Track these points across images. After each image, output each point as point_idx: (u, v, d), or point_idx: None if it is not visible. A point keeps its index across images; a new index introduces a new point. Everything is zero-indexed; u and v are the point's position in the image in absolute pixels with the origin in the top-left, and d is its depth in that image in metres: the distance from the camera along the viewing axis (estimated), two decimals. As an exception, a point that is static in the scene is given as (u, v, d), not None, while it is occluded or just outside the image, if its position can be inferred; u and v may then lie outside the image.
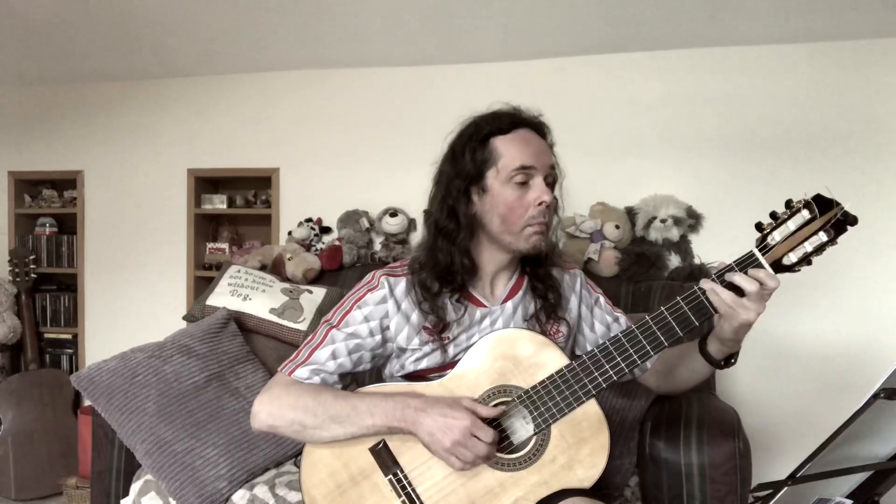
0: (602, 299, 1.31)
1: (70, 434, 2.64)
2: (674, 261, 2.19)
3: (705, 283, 1.00)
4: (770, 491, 1.12)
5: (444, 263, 1.15)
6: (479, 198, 1.15)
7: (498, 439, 1.04)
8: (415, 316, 1.16)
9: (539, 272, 1.22)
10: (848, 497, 1.20)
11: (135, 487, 1.48)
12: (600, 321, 1.29)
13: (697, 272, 2.10)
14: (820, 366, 2.19)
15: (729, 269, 1.00)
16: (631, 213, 2.26)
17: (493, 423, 1.07)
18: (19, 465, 2.54)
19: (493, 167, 1.13)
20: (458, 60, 2.47)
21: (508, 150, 1.13)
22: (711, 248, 2.21)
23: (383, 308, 1.15)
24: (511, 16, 2.09)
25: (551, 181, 1.17)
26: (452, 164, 1.17)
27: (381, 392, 1.10)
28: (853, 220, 0.94)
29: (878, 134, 2.17)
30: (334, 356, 1.14)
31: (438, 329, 1.15)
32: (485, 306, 1.19)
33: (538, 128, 1.19)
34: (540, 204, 1.12)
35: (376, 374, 1.28)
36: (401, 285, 1.17)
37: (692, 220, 2.22)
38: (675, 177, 2.30)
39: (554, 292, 1.21)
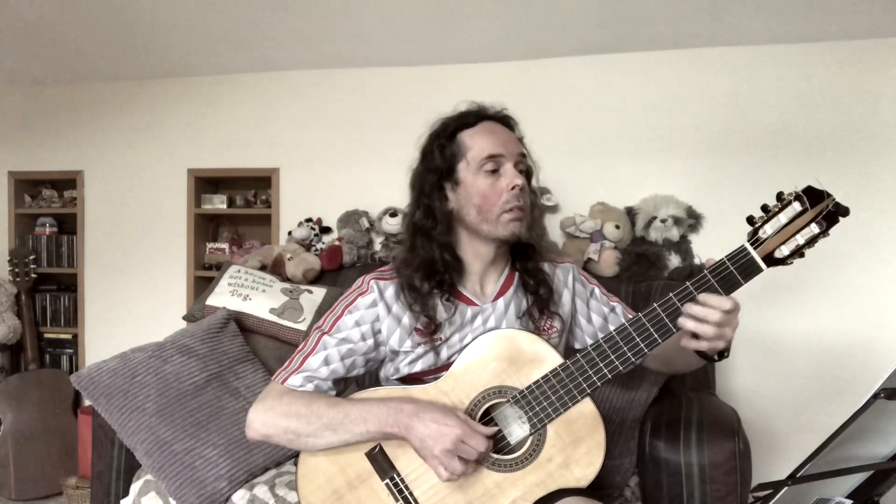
0: (597, 290, 1.31)
1: (70, 434, 2.65)
2: (674, 261, 2.19)
3: (686, 323, 1.00)
4: (770, 491, 1.12)
5: (427, 260, 1.16)
6: (452, 192, 1.17)
7: (491, 450, 1.03)
8: (406, 318, 1.16)
9: (528, 266, 1.22)
10: (848, 497, 1.21)
11: (135, 487, 1.48)
12: (597, 313, 1.29)
13: (697, 272, 2.09)
14: (820, 366, 2.19)
15: (720, 264, 1.00)
16: (631, 213, 2.26)
17: (488, 425, 1.06)
18: (19, 465, 2.54)
19: (462, 160, 1.15)
20: (458, 60, 2.47)
21: (476, 142, 1.15)
22: (711, 248, 2.21)
23: (374, 312, 1.16)
24: (511, 16, 2.09)
25: (523, 169, 1.18)
26: (423, 163, 1.20)
27: (375, 397, 1.10)
28: (844, 212, 0.94)
29: (878, 133, 2.17)
30: (327, 362, 1.14)
31: (430, 330, 1.14)
32: (476, 305, 1.19)
33: (504, 120, 1.22)
34: (513, 188, 1.13)
35: (374, 376, 1.28)
36: (391, 288, 1.18)
37: (692, 220, 2.22)
38: (675, 177, 2.30)
39: (545, 286, 1.21)
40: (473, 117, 1.19)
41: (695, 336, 1.01)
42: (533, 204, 1.22)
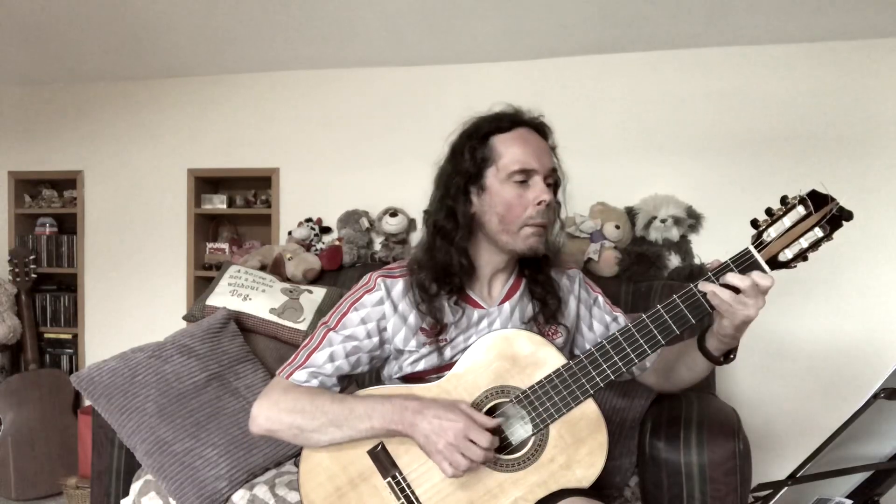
0: (601, 299, 1.31)
1: (70, 434, 2.64)
2: (674, 261, 2.19)
3: (704, 286, 1.00)
4: (770, 491, 1.12)
5: (443, 263, 1.15)
6: (477, 197, 1.14)
7: (496, 445, 1.03)
8: (412, 318, 1.15)
9: (538, 277, 1.21)
10: (848, 497, 1.20)
11: (135, 487, 1.48)
12: (599, 321, 1.29)
13: (697, 272, 2.10)
14: (820, 365, 2.19)
15: (724, 266, 0.99)
16: (631, 213, 2.26)
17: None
18: (19, 465, 2.54)
19: (492, 166, 1.13)
20: (458, 60, 2.47)
21: (508, 150, 1.12)
22: (711, 248, 2.21)
23: (380, 310, 1.15)
24: (511, 16, 2.09)
25: (552, 182, 1.16)
26: (452, 163, 1.16)
27: (378, 395, 1.10)
28: (848, 216, 0.94)
29: (878, 133, 2.17)
30: (332, 359, 1.13)
31: (436, 331, 1.14)
32: (482, 308, 1.19)
33: (539, 128, 1.19)
34: (539, 203, 1.11)
35: (375, 375, 1.28)
36: (398, 287, 1.17)
37: (692, 220, 2.22)
38: (675, 177, 2.30)
39: (553, 297, 1.20)
40: (508, 122, 1.15)
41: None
42: (556, 215, 1.20)
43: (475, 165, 1.13)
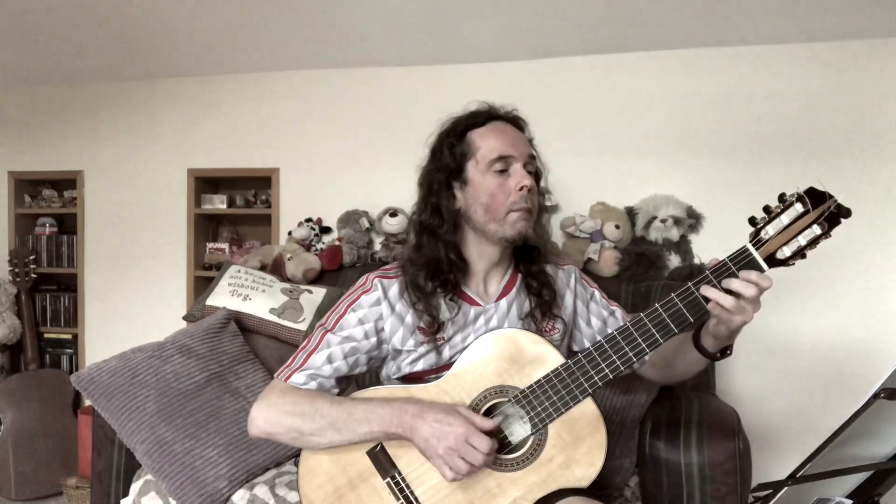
0: (597, 294, 1.31)
1: (70, 434, 2.65)
2: (674, 261, 2.19)
3: (707, 291, 0.98)
4: (770, 491, 1.12)
5: (432, 259, 1.16)
6: (461, 192, 1.16)
7: (496, 449, 1.03)
8: (409, 317, 1.16)
9: (532, 269, 1.22)
10: (848, 497, 1.21)
11: (135, 487, 1.48)
12: (596, 316, 1.29)
13: (697, 272, 2.10)
14: (820, 365, 2.19)
15: (722, 264, 0.99)
16: (631, 213, 2.26)
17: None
18: (19, 465, 2.54)
19: (472, 159, 1.15)
20: (458, 60, 2.47)
21: (485, 141, 1.15)
22: (711, 248, 2.21)
23: (377, 310, 1.16)
24: (511, 16, 2.09)
25: (532, 170, 1.18)
26: (432, 162, 1.20)
27: (378, 397, 1.10)
28: (846, 213, 0.94)
29: (878, 132, 2.17)
30: (330, 360, 1.14)
31: (433, 330, 1.14)
32: (479, 305, 1.19)
33: (514, 121, 1.21)
34: (521, 189, 1.13)
35: (374, 376, 1.28)
36: (394, 287, 1.17)
37: (692, 220, 2.22)
38: (675, 177, 2.30)
39: (548, 290, 1.21)
40: (484, 117, 1.18)
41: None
42: (540, 206, 1.21)
43: (455, 161, 1.16)
